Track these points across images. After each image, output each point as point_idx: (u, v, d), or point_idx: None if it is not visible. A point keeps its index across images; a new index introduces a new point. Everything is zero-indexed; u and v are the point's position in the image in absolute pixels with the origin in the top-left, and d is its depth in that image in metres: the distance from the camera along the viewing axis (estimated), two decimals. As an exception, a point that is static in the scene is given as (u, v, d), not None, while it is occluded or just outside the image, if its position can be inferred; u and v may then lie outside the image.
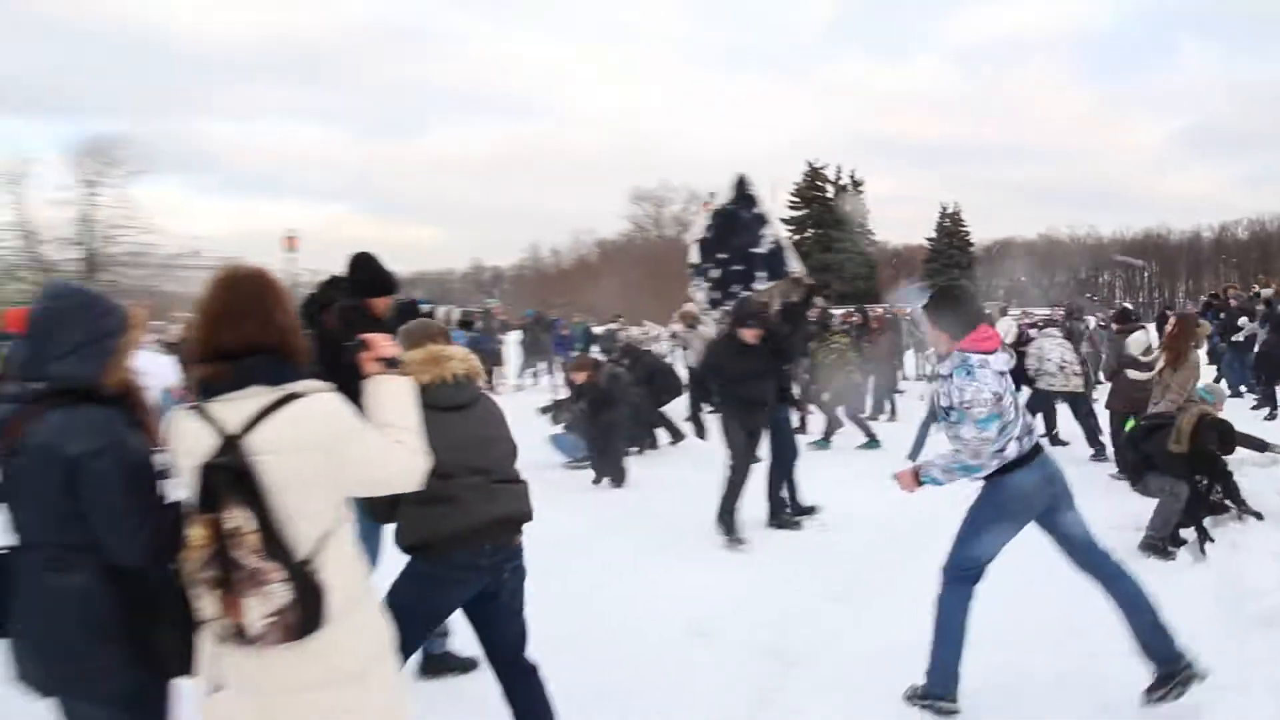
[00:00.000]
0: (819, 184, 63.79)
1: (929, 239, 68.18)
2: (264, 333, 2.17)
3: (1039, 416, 9.72)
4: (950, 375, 3.76)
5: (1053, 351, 9.80)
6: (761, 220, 8.82)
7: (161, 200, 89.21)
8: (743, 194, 8.92)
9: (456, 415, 3.23)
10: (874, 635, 4.79)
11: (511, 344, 22.25)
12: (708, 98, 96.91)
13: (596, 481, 9.06)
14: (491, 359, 17.34)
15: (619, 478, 9.01)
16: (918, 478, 3.89)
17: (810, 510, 7.44)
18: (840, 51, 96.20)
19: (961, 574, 3.88)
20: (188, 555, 2.09)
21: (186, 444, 2.14)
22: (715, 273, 8.95)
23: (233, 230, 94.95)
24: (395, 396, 2.35)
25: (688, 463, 9.73)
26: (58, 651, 2.25)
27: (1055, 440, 10.13)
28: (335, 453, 2.15)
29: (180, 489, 2.20)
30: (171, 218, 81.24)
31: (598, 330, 22.28)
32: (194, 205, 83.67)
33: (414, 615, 3.02)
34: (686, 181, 57.19)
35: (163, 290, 35.38)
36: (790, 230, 56.34)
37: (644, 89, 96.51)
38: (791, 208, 61.60)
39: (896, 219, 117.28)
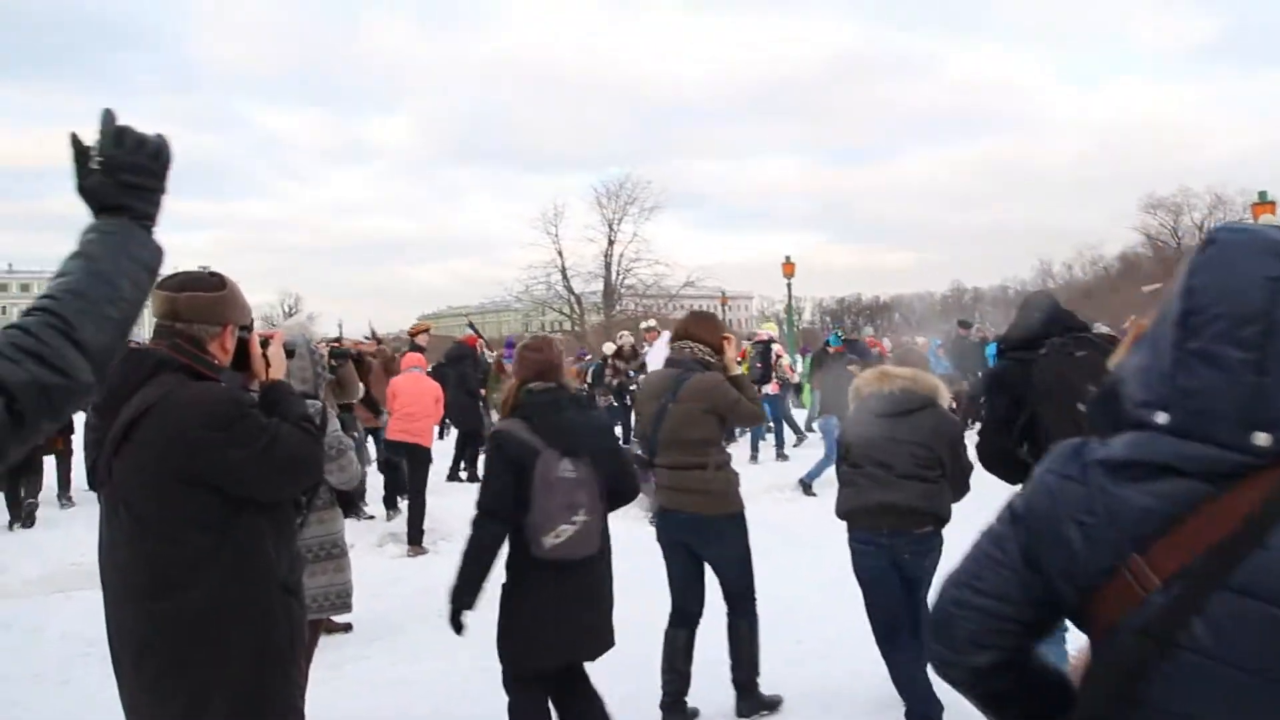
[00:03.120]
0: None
1: None
2: None
3: None
4: None
5: None
6: None
7: (666, 235, 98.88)
8: None
9: (887, 420, 3.92)
10: None
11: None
12: (1192, 94, 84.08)
13: None
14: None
15: None
16: None
17: None
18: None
19: None
20: None
21: None
22: None
23: (726, 260, 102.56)
24: None
25: None
26: None
27: None
28: None
29: None
30: (675, 251, 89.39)
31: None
32: (693, 239, 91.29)
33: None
34: (1211, 185, 49.42)
35: (670, 318, 38.57)
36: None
37: (1123, 89, 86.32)
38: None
39: None
